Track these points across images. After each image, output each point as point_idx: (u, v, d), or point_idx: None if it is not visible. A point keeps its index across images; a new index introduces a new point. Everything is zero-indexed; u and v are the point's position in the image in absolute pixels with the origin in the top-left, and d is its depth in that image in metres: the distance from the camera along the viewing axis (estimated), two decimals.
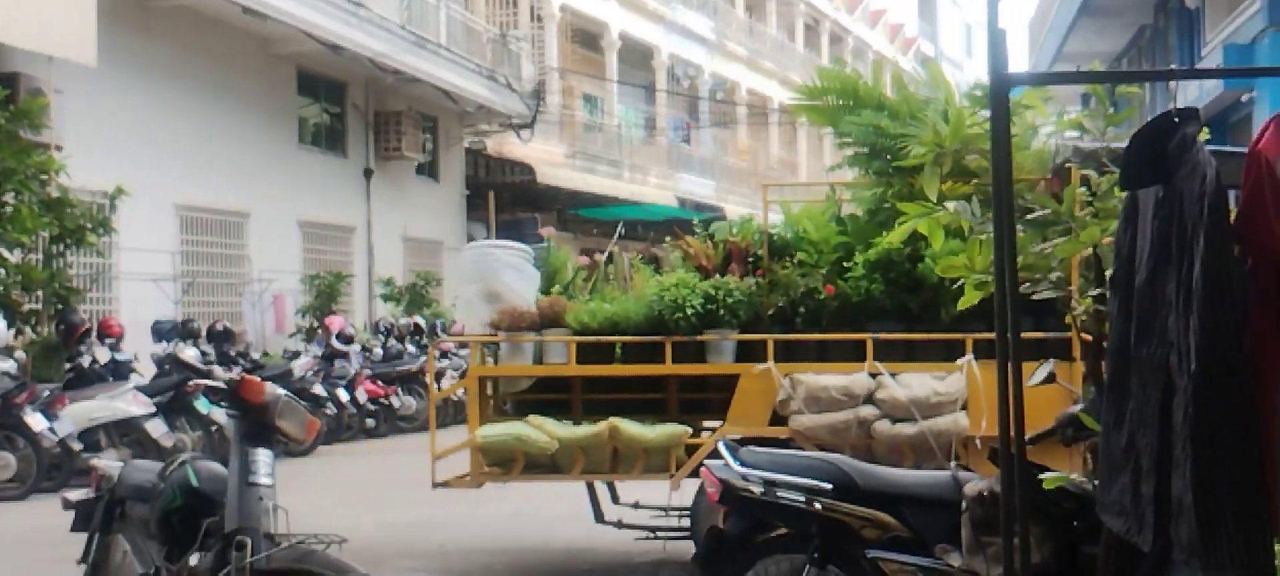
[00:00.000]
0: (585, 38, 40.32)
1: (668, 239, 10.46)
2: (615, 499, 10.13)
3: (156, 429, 15.07)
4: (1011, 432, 3.92)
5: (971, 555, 5.55)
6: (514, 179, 33.59)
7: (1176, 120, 3.62)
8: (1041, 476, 4.96)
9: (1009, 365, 3.88)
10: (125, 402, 15.10)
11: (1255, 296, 3.59)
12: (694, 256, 9.31)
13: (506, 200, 35.52)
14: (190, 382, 15.59)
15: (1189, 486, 3.53)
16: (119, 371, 16.63)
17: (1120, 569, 4.77)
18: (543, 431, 8.83)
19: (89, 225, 17.21)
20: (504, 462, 8.98)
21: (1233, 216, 3.60)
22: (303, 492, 12.31)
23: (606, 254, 10.48)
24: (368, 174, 27.73)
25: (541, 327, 9.19)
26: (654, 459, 8.75)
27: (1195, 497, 3.51)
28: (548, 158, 34.53)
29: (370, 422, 20.42)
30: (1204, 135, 4.03)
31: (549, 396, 9.44)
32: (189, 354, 17.14)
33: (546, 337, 9.15)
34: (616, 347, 9.13)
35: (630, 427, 8.70)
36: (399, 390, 21.28)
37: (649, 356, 8.90)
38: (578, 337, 9.03)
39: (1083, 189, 4.26)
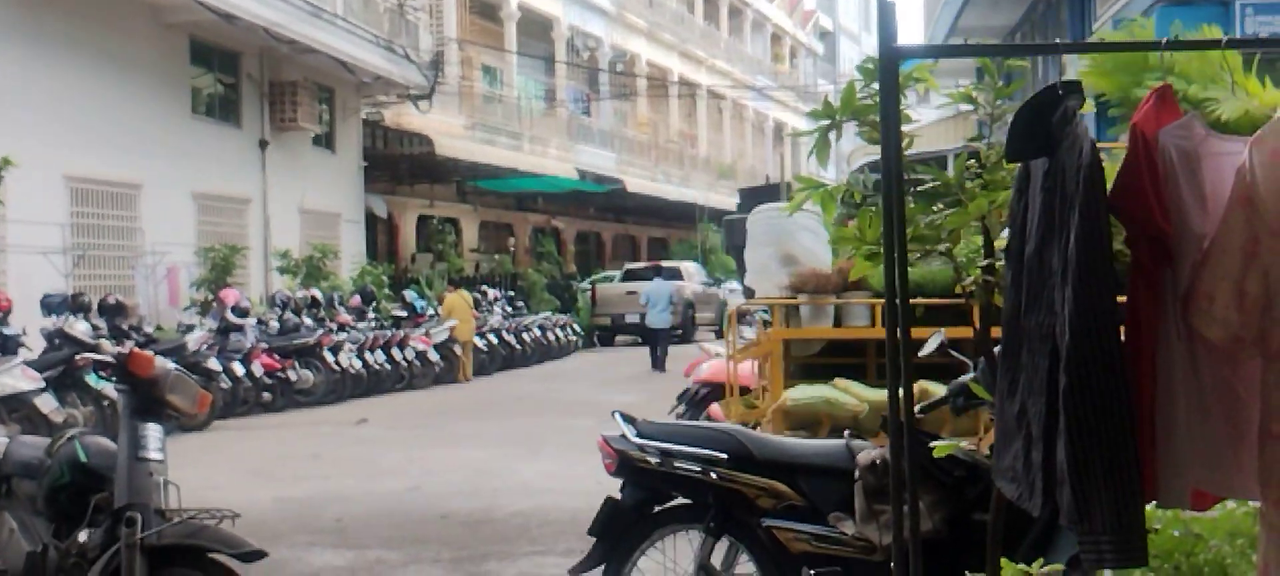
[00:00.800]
0: (484, 8, 40.10)
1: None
2: None
3: (46, 404, 14.79)
4: (901, 402, 3.97)
5: (864, 523, 5.63)
6: (412, 151, 33.35)
7: (1061, 93, 3.67)
8: (932, 445, 5.03)
9: (898, 334, 3.92)
10: (13, 377, 14.79)
11: (1131, 269, 3.67)
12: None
13: (405, 172, 35.30)
14: (79, 357, 15.31)
15: (1066, 454, 3.62)
16: (7, 346, 16.28)
17: (1010, 535, 4.86)
18: (850, 394, 8.77)
19: None
20: (809, 425, 8.89)
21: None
22: (198, 468, 12.17)
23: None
24: (263, 145, 27.37)
25: (842, 290, 9.09)
26: (961, 422, 8.57)
27: (1069, 464, 3.60)
28: (446, 129, 34.32)
29: (267, 397, 20.21)
30: (1089, 108, 4.11)
31: (836, 360, 9.37)
32: (79, 328, 16.83)
33: (850, 299, 9.02)
34: (918, 310, 9.00)
35: (938, 390, 8.66)
36: (296, 364, 21.08)
37: (952, 320, 8.66)
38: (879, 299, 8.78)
39: (971, 161, 4.32)
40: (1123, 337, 3.67)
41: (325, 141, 30.38)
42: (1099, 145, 3.62)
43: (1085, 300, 3.55)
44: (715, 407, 11.08)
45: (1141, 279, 3.65)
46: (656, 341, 28.35)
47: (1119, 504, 3.54)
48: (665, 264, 39.57)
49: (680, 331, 32.23)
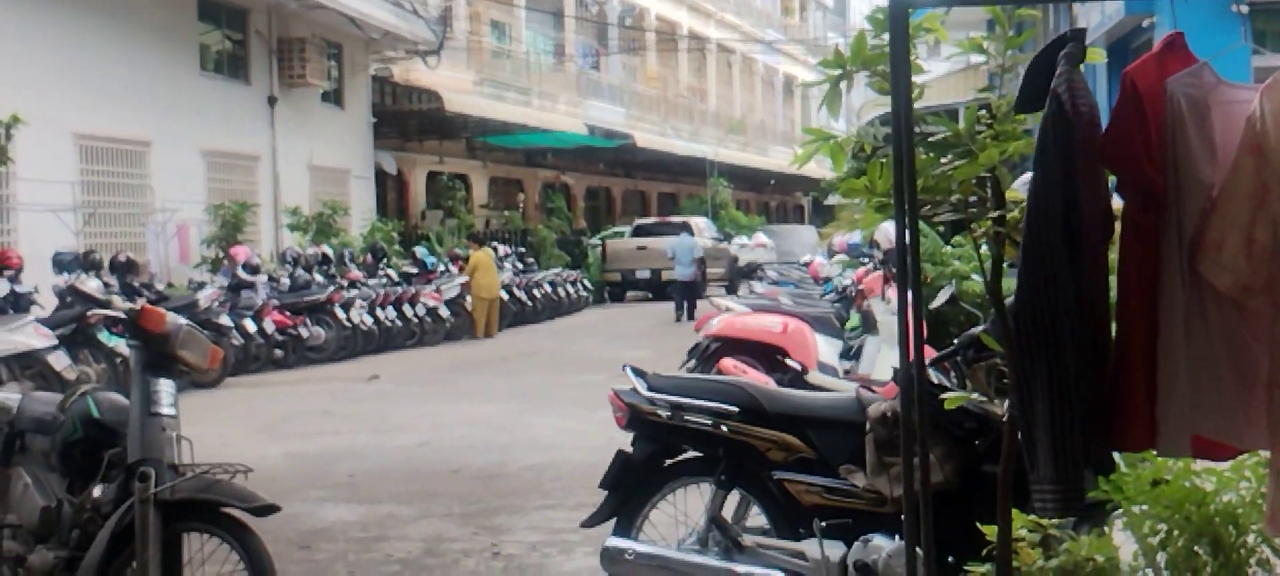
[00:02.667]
0: None
1: None
2: None
3: (59, 361, 14.84)
4: (913, 354, 3.97)
5: (875, 475, 5.64)
6: (421, 107, 33.28)
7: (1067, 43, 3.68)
8: (942, 397, 5.03)
9: (908, 286, 3.92)
10: (26, 335, 14.83)
11: (1122, 219, 3.69)
12: None
13: (414, 128, 35.24)
14: (91, 314, 15.34)
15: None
16: (19, 304, 16.34)
17: (1021, 486, 4.86)
18: None
19: None
20: None
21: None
22: (210, 424, 12.23)
23: None
24: (272, 101, 27.32)
25: None
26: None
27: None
28: (455, 85, 34.23)
29: (278, 353, 20.27)
30: (1098, 57, 4.09)
31: None
32: (90, 285, 16.87)
33: None
34: None
35: None
36: (307, 320, 21.12)
37: None
38: None
39: (982, 111, 4.30)
40: (1114, 288, 3.71)
41: (334, 98, 30.33)
42: None
43: (1029, 255, 3.62)
44: (726, 361, 11.08)
45: (1132, 229, 3.67)
46: (683, 294, 28.87)
47: (1057, 455, 3.63)
48: (675, 219, 39.63)
49: (705, 284, 32.57)
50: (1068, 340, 3.62)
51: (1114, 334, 3.78)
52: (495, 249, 31.19)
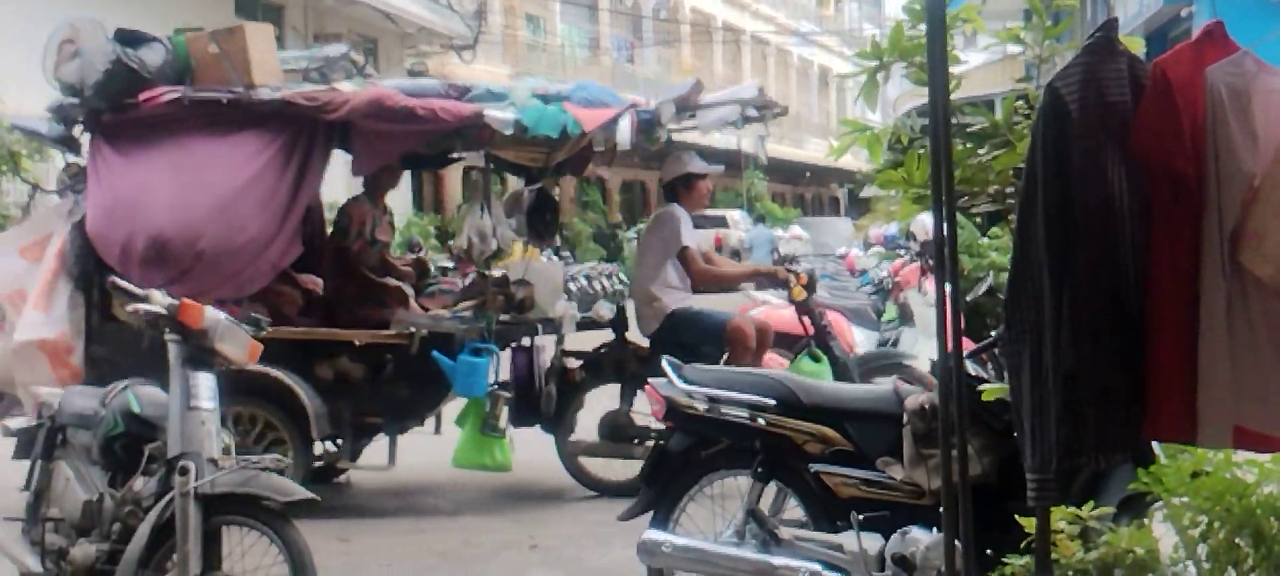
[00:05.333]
0: None
1: None
2: None
3: None
4: (950, 346, 3.96)
5: (913, 467, 5.62)
6: None
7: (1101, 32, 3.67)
8: (980, 388, 5.01)
9: (946, 278, 3.91)
10: None
11: (1154, 206, 3.67)
12: None
13: None
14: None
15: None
16: None
17: (1061, 479, 4.84)
18: None
19: (24, 151, 16.93)
20: None
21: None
22: None
23: None
24: None
25: None
26: None
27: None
28: (490, 78, 34.14)
29: None
30: (1137, 46, 4.06)
31: None
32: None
33: None
34: None
35: None
36: None
37: None
38: None
39: (1020, 101, 4.29)
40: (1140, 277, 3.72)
41: None
42: None
43: (1017, 247, 3.62)
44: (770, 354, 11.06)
45: (1164, 221, 3.64)
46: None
47: (1034, 444, 3.65)
48: (710, 211, 39.58)
49: None
50: (1048, 331, 3.63)
51: (1148, 326, 3.76)
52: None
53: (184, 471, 5.44)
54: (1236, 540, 4.18)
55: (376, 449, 9.67)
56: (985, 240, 12.42)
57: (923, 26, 4.06)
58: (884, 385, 6.16)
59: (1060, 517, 4.41)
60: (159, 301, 6.04)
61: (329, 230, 10.23)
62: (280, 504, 5.51)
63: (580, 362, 9.76)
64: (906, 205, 4.43)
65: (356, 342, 9.19)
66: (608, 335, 10.02)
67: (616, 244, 39.16)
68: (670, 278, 9.53)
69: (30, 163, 17.12)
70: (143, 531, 5.50)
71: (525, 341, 9.80)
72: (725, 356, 9.26)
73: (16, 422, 6.63)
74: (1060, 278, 3.61)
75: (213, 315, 5.90)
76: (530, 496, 9.64)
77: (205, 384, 5.73)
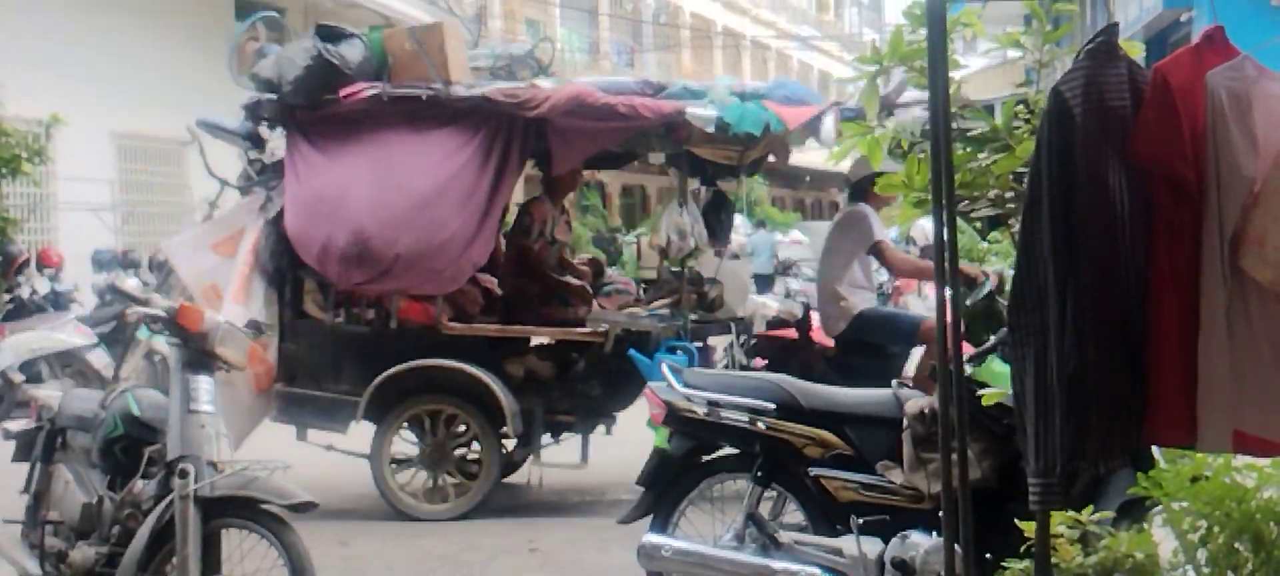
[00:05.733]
0: None
1: None
2: None
3: (98, 359, 14.93)
4: (950, 349, 3.96)
5: (913, 471, 5.62)
6: None
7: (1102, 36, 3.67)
8: (980, 393, 5.01)
9: (947, 282, 3.91)
10: (66, 333, 14.94)
11: (1155, 211, 3.68)
12: None
13: None
14: (130, 311, 15.36)
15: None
16: (59, 302, 16.45)
17: (1063, 482, 4.84)
18: None
19: (24, 154, 16.91)
20: None
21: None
22: None
23: None
24: None
25: None
26: None
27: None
28: None
29: None
30: (1136, 51, 4.06)
31: None
32: (130, 283, 16.93)
33: None
34: None
35: None
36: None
37: None
38: None
39: (1020, 106, 4.29)
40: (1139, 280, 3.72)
41: None
42: None
43: (1022, 251, 3.63)
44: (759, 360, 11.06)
45: (1164, 225, 3.65)
46: (760, 287, 29.77)
47: (1037, 448, 3.65)
48: None
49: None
50: (1053, 334, 3.63)
51: (1147, 330, 3.76)
52: None
53: (183, 474, 5.44)
54: (1236, 544, 4.18)
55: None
56: (985, 244, 12.42)
57: (923, 31, 4.06)
58: (884, 390, 6.16)
59: (1060, 521, 4.41)
60: (160, 304, 6.03)
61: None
62: (280, 507, 5.51)
63: (765, 362, 9.71)
64: (907, 209, 4.43)
65: (548, 341, 9.32)
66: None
67: (616, 248, 39.11)
68: (857, 277, 9.44)
69: (30, 166, 17.09)
70: (142, 534, 5.50)
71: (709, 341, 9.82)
72: (921, 354, 9.22)
73: (17, 425, 6.62)
74: (1064, 281, 3.61)
75: (212, 319, 5.90)
76: (529, 500, 9.63)
77: (205, 387, 5.73)
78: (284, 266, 9.06)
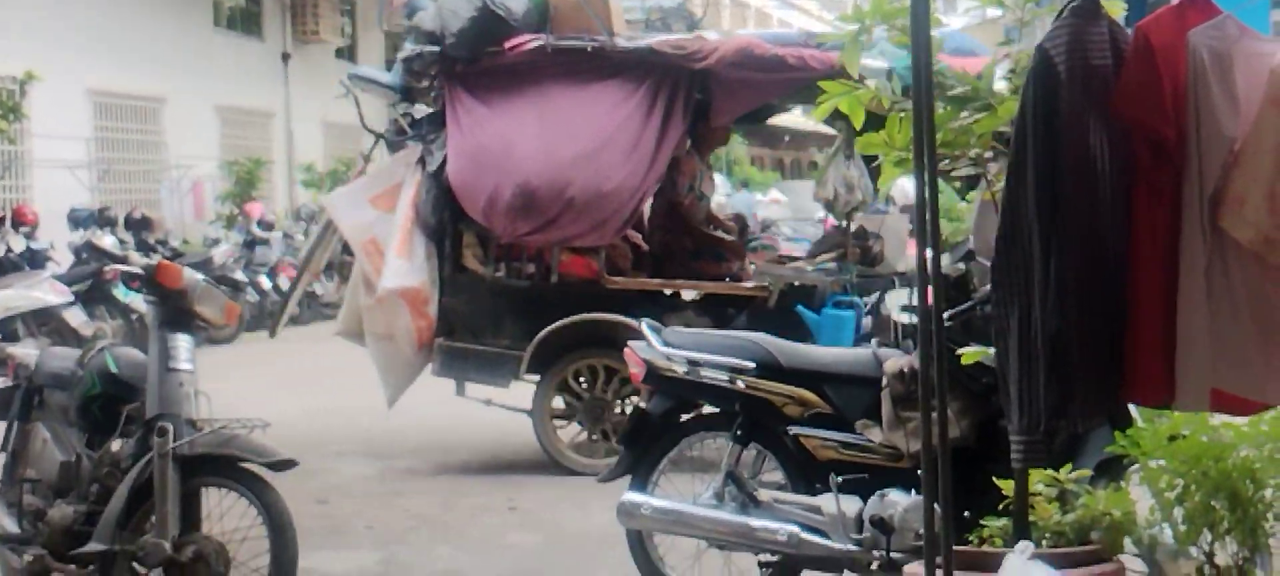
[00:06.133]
0: None
1: None
2: None
3: (75, 317, 14.87)
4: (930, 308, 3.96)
5: (892, 430, 5.64)
6: None
7: None
8: (959, 352, 5.02)
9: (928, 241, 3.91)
10: (42, 291, 14.87)
11: (1137, 169, 3.68)
12: None
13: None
14: (108, 269, 15.35)
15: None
16: (35, 260, 16.37)
17: (1046, 440, 4.85)
18: None
19: None
20: None
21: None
22: (226, 379, 12.23)
23: None
24: (285, 58, 27.26)
25: None
26: None
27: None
28: None
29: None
30: (1117, 11, 4.06)
31: None
32: (106, 241, 16.90)
33: None
34: None
35: None
36: (322, 277, 21.11)
37: None
38: None
39: (1003, 63, 4.29)
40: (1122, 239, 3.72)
41: (348, 54, 30.22)
42: None
43: (1006, 209, 3.62)
44: None
45: (1145, 184, 3.65)
46: None
47: (1022, 406, 3.67)
48: None
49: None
50: (1037, 293, 3.64)
51: (1126, 289, 3.77)
52: None
53: (162, 432, 5.43)
54: (1212, 502, 4.21)
55: (351, 422, 9.62)
56: (964, 204, 12.42)
57: None
58: (863, 349, 6.17)
59: (1038, 480, 4.43)
60: (137, 262, 6.00)
61: None
62: (259, 465, 5.51)
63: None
64: (888, 169, 4.43)
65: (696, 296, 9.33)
66: None
67: None
68: None
69: (5, 123, 16.99)
70: (121, 492, 5.49)
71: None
72: None
73: None
74: (1048, 240, 3.62)
75: (190, 276, 5.87)
76: (509, 459, 9.64)
77: (183, 345, 5.71)
78: (444, 220, 9.04)
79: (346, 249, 9.60)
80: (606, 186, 8.83)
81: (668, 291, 9.55)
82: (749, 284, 9.27)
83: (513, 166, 8.79)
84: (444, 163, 8.99)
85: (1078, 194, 3.63)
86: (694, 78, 9.11)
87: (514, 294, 9.28)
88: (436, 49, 9.03)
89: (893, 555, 5.49)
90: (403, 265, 8.70)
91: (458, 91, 9.13)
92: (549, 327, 8.92)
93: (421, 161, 9.11)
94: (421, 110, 9.59)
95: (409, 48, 9.30)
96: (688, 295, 9.58)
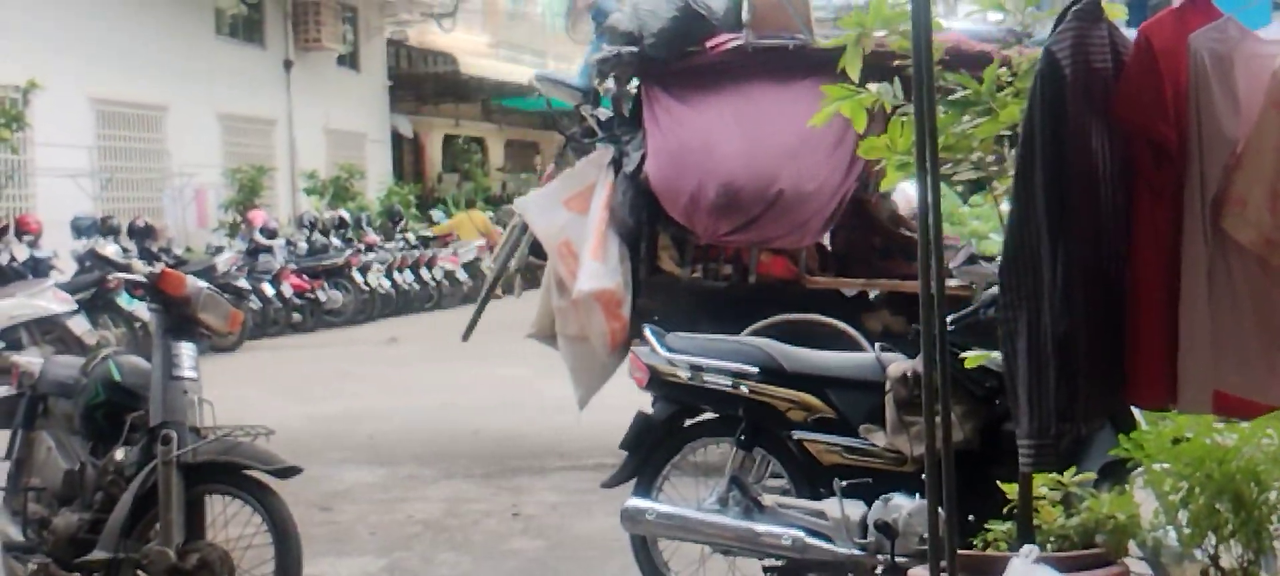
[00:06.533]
0: None
1: None
2: None
3: (79, 326, 14.89)
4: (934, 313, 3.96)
5: (895, 434, 5.64)
6: (437, 70, 33.21)
7: None
8: (963, 356, 5.02)
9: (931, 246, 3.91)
10: (46, 300, 14.88)
11: (1136, 171, 3.68)
12: None
13: (430, 91, 35.18)
14: (112, 277, 15.35)
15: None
16: (38, 269, 16.39)
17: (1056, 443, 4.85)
18: None
19: (2, 120, 16.84)
20: None
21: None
22: (230, 387, 12.22)
23: None
24: (288, 65, 27.29)
25: None
26: None
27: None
28: (471, 48, 34.15)
29: (296, 317, 20.32)
30: (1118, 14, 4.06)
31: None
32: (109, 249, 16.91)
33: None
34: None
35: None
36: (325, 284, 21.14)
37: None
38: None
39: (1003, 69, 4.29)
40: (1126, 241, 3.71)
41: (350, 61, 30.28)
42: None
43: (1014, 212, 3.62)
44: None
45: (1146, 187, 3.65)
46: None
47: (1032, 409, 3.65)
48: None
49: None
50: (1046, 298, 3.63)
51: (1128, 292, 3.77)
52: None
53: (166, 440, 5.43)
54: (1217, 505, 4.20)
55: (354, 428, 9.63)
56: (966, 208, 12.43)
57: None
58: (866, 353, 6.17)
59: (1042, 483, 4.43)
60: (141, 270, 6.00)
61: None
62: (263, 472, 5.51)
63: None
64: (890, 172, 4.43)
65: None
66: None
67: None
68: None
69: (8, 132, 17.02)
70: (125, 500, 5.49)
71: None
72: None
73: None
74: (1056, 241, 3.61)
75: (194, 284, 5.87)
76: (513, 465, 9.65)
77: (187, 353, 5.71)
78: (641, 221, 9.02)
79: (537, 251, 9.57)
80: (809, 186, 8.78)
81: (850, 292, 9.47)
82: (954, 282, 9.20)
83: (715, 165, 8.76)
84: (641, 163, 8.96)
85: (1083, 196, 3.63)
86: (887, 75, 9.11)
87: (711, 295, 9.24)
88: (634, 49, 9.01)
89: (897, 559, 5.48)
90: (597, 267, 8.67)
91: (655, 91, 9.12)
92: (752, 327, 8.80)
93: (615, 163, 9.07)
94: (604, 112, 9.54)
95: (603, 48, 9.27)
96: (872, 294, 9.49)
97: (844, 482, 5.67)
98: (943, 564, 3.84)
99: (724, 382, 5.95)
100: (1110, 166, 3.68)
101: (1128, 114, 3.62)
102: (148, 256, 17.52)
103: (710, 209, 8.75)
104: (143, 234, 18.65)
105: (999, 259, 6.18)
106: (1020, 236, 3.67)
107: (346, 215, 24.33)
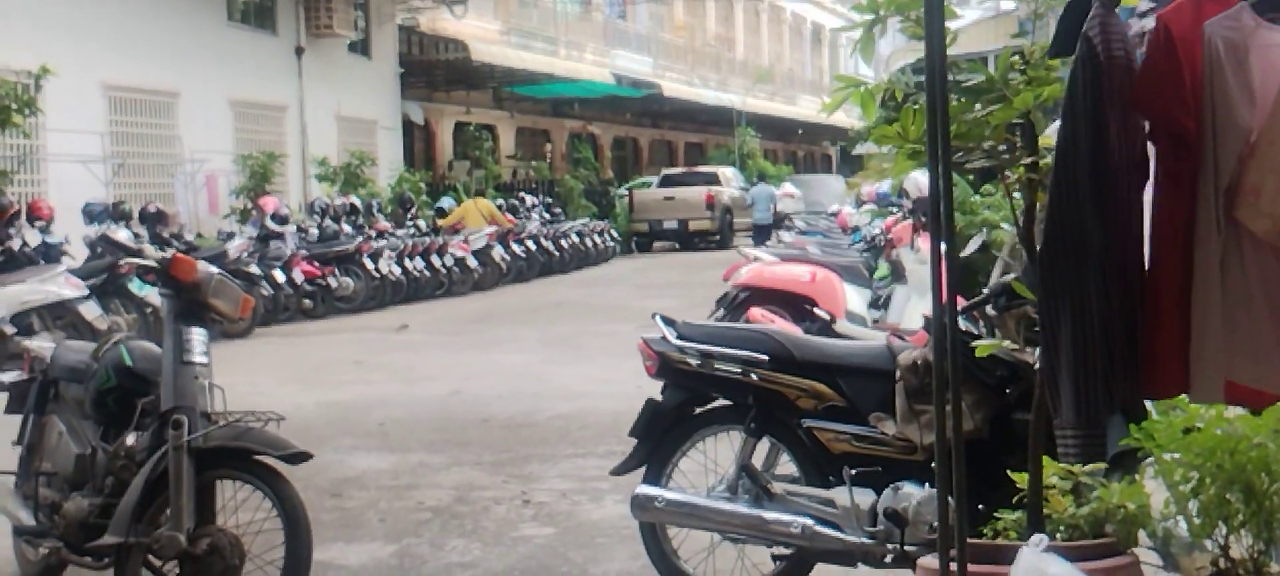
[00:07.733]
0: None
1: None
2: None
3: (90, 311, 14.92)
4: (944, 301, 3.95)
5: (905, 423, 5.63)
6: (448, 56, 33.20)
7: None
8: (973, 344, 5.02)
9: (943, 234, 3.90)
10: (57, 285, 14.91)
11: (1158, 162, 3.66)
12: None
13: (441, 78, 35.18)
14: (123, 262, 15.37)
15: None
16: (50, 254, 16.43)
17: (1052, 434, 4.85)
18: None
19: (14, 106, 16.87)
20: None
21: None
22: (241, 373, 12.29)
23: None
24: (299, 52, 27.31)
25: None
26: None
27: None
28: (482, 34, 34.14)
29: (307, 303, 20.34)
30: (1134, 1, 4.05)
31: None
32: (121, 235, 16.90)
33: None
34: None
35: None
36: (336, 270, 21.16)
37: None
38: None
39: (1016, 56, 4.27)
40: (1147, 233, 3.68)
41: (361, 48, 30.29)
42: None
43: (1056, 200, 3.59)
44: (754, 311, 11.08)
45: (1165, 175, 3.63)
46: (760, 237, 32.80)
47: (1079, 401, 3.62)
48: (702, 168, 39.83)
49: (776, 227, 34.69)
50: (1092, 285, 3.60)
51: (1145, 280, 3.76)
52: (522, 199, 31.25)
53: (177, 425, 5.44)
54: (1227, 495, 4.20)
55: (365, 415, 9.63)
56: (977, 198, 12.42)
57: None
58: (876, 341, 6.16)
59: (1052, 473, 4.43)
60: (152, 255, 6.01)
61: None
62: (274, 458, 5.52)
63: None
64: (901, 161, 4.41)
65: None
66: None
67: (608, 200, 39.14)
68: None
69: (20, 118, 17.05)
70: (136, 485, 5.50)
71: None
72: None
73: (9, 377, 6.62)
74: (1100, 228, 3.58)
75: (205, 269, 5.88)
76: (523, 452, 9.66)
77: (198, 338, 5.72)
78: None
79: None
80: None
81: None
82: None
83: None
84: None
85: (1117, 183, 3.62)
86: None
87: None
88: None
89: (906, 548, 5.49)
90: None
91: None
92: None
93: None
94: None
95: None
96: None
97: (854, 471, 5.67)
98: (952, 552, 3.84)
99: (734, 370, 5.94)
100: (1126, 155, 3.67)
101: (1148, 103, 3.60)
102: (159, 242, 17.53)
103: None
104: (154, 220, 18.67)
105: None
106: (1060, 225, 3.61)
107: (357, 202, 24.34)
